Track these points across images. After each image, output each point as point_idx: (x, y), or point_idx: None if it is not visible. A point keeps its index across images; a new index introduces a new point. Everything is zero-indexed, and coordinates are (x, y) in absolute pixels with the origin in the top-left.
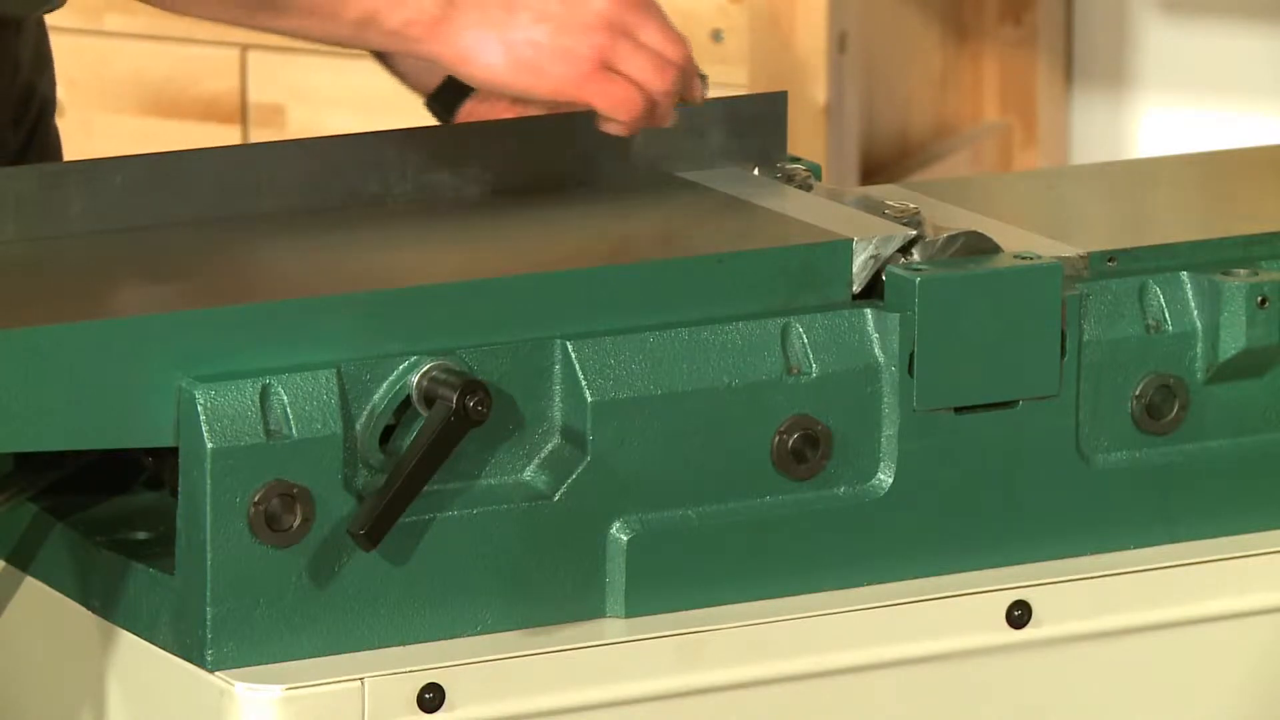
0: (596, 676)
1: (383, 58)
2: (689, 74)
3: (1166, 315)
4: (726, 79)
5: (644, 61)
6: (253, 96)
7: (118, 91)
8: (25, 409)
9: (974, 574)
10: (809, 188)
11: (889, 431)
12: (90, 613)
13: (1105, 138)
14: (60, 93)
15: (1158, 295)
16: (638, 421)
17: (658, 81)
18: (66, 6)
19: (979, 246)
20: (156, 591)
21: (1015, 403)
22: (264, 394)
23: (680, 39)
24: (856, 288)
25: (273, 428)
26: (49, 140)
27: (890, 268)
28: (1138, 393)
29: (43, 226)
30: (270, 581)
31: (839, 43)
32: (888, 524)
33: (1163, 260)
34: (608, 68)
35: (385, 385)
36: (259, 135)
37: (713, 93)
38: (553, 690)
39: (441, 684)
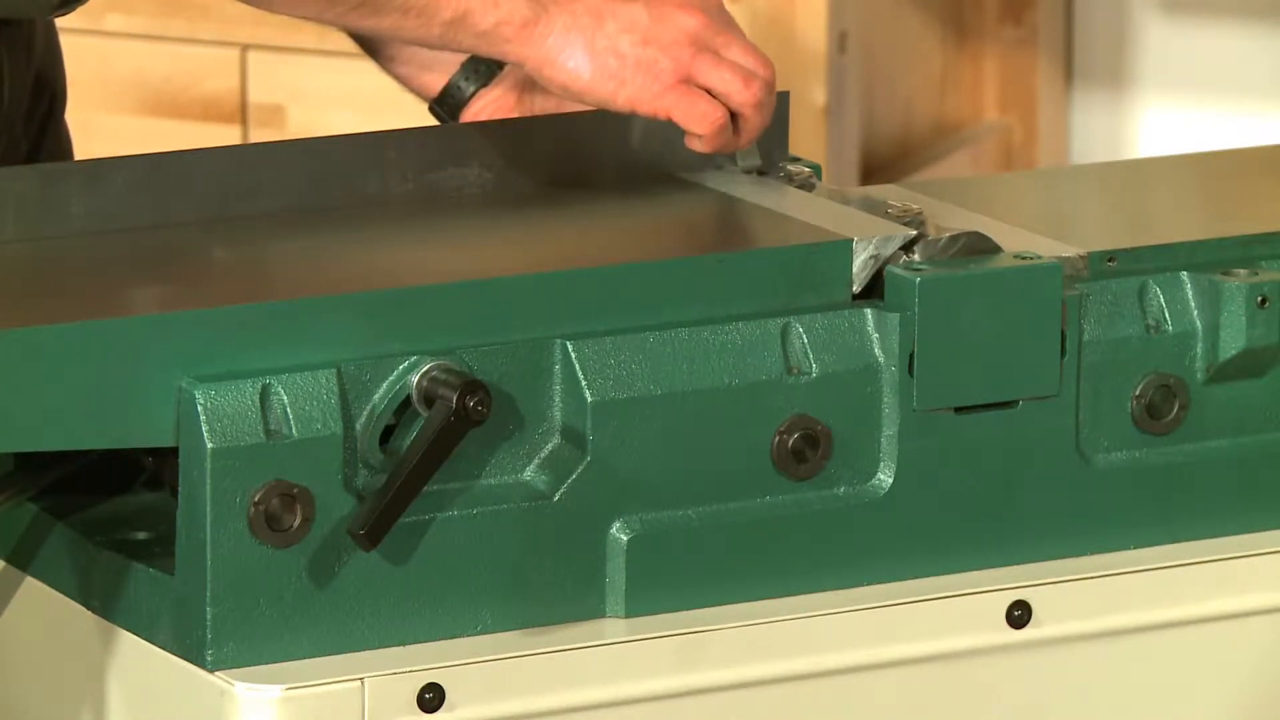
0: (596, 676)
1: (383, 61)
2: (773, 88)
3: (1166, 315)
4: None
5: (728, 74)
6: (253, 96)
7: (118, 91)
8: (25, 409)
9: (974, 574)
10: (811, 188)
11: (889, 431)
12: (90, 613)
13: (1105, 138)
14: None
15: (1158, 295)
16: (638, 421)
17: (743, 93)
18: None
19: (979, 246)
20: (156, 591)
21: (1015, 403)
22: (264, 394)
23: (767, 60)
24: (857, 288)
25: (273, 428)
26: (60, 135)
27: (890, 268)
28: (1138, 393)
29: (43, 226)
30: (270, 581)
31: (839, 43)
32: (888, 524)
33: (1163, 260)
34: (689, 82)
35: (385, 385)
36: (259, 135)
37: None
38: (553, 690)
39: (441, 684)
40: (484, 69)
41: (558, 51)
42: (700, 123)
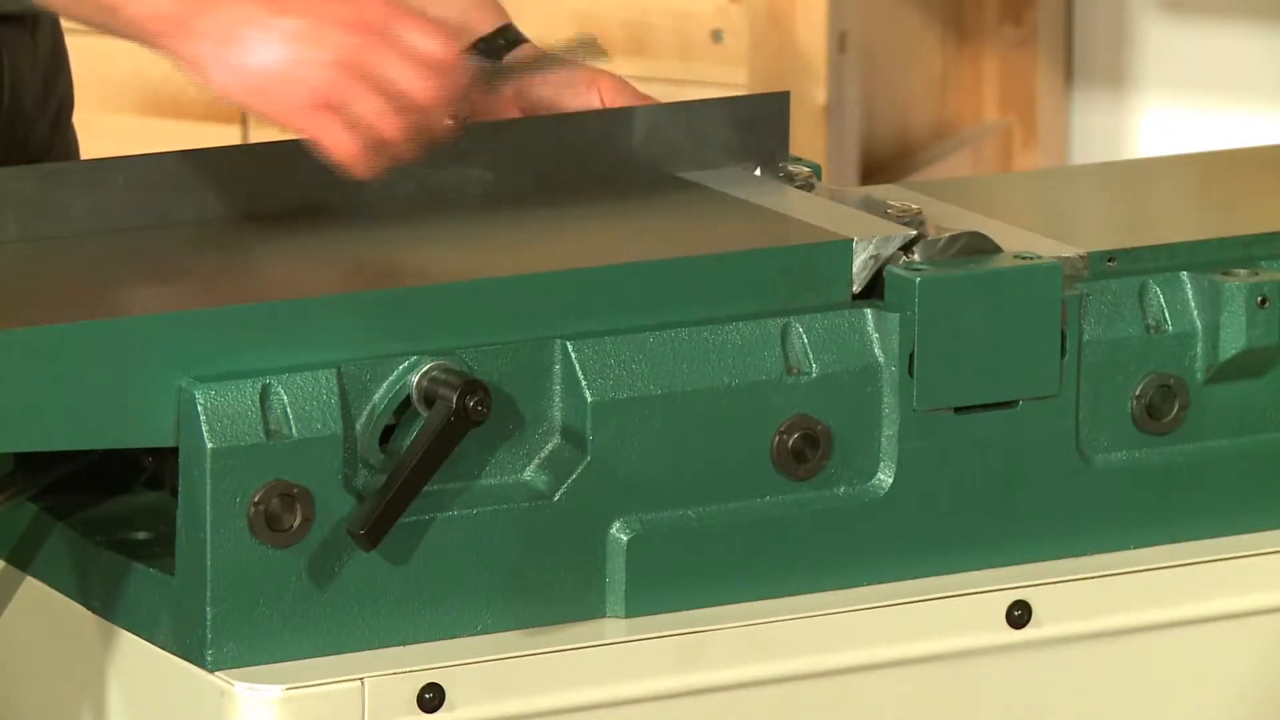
0: (596, 676)
1: None
2: (435, 113)
3: (1166, 315)
4: (726, 79)
5: (375, 106)
6: None
7: (118, 91)
8: (25, 409)
9: (974, 574)
10: (811, 188)
11: (889, 431)
12: (90, 613)
13: (1105, 138)
14: None
15: (1158, 295)
16: (638, 421)
17: (386, 128)
18: None
19: (979, 246)
20: (156, 591)
21: (1015, 403)
22: (264, 394)
23: (437, 78)
24: (857, 288)
25: (273, 428)
26: (68, 140)
27: (890, 268)
28: (1138, 393)
29: (44, 226)
30: (270, 581)
31: (839, 43)
32: (888, 524)
33: (1163, 260)
34: (329, 106)
35: (385, 385)
36: (259, 135)
37: (713, 93)
38: (553, 690)
39: (441, 684)
40: None
41: (204, 58)
42: (335, 150)
